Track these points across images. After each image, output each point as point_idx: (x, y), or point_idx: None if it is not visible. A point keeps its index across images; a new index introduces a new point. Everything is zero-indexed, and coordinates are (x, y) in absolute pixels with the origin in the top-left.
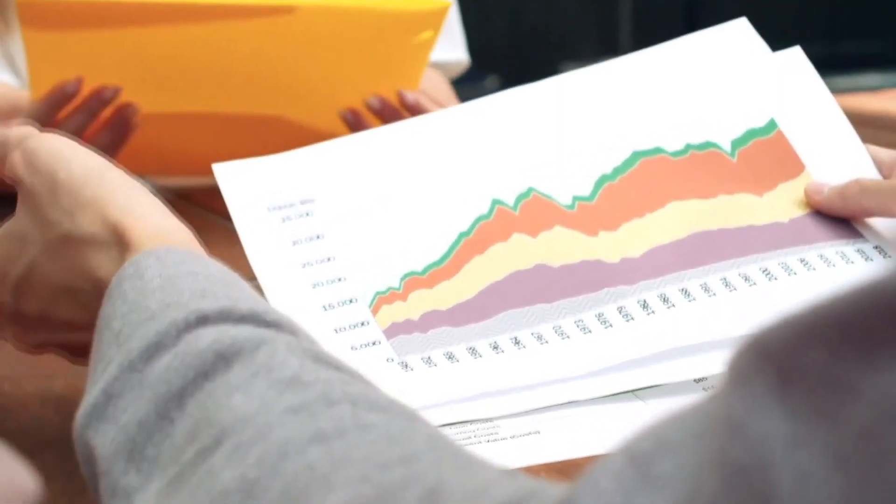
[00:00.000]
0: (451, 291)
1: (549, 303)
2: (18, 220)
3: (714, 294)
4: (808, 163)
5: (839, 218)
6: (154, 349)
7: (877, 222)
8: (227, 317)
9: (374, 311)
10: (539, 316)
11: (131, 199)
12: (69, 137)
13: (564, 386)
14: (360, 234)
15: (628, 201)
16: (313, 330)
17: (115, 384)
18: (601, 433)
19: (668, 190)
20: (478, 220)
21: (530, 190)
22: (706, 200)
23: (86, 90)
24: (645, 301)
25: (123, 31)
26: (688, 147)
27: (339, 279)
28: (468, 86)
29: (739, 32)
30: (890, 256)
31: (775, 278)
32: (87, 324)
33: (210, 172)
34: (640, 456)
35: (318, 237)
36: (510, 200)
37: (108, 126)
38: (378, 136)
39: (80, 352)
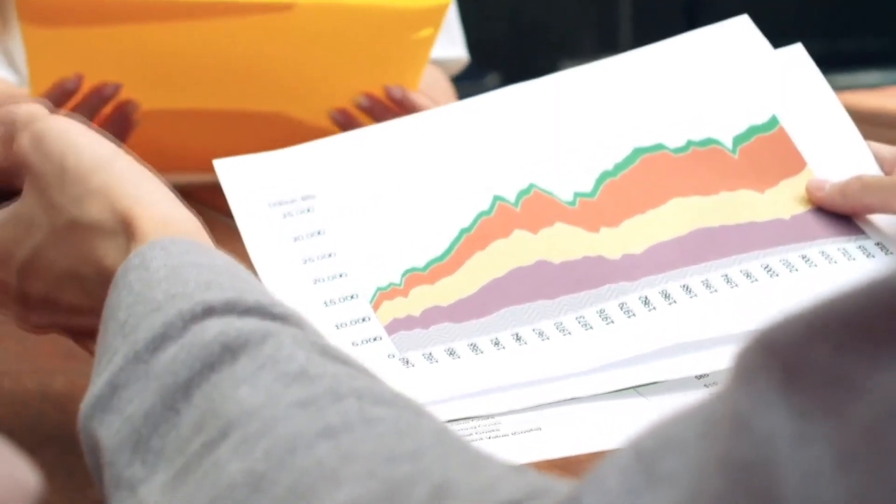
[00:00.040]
0: (452, 287)
1: (551, 299)
2: (25, 203)
3: (715, 290)
4: (810, 159)
5: (840, 214)
6: (160, 340)
7: (878, 219)
8: (232, 308)
9: (375, 307)
10: (540, 312)
11: (140, 188)
12: (79, 121)
13: (566, 382)
14: (360, 229)
15: (630, 197)
16: (313, 324)
17: (121, 375)
18: (603, 430)
19: (670, 186)
20: (479, 215)
21: (531, 186)
22: (707, 197)
23: (86, 87)
24: (646, 297)
25: (123, 27)
26: (689, 143)
27: (340, 275)
28: (468, 83)
29: (741, 29)
30: (891, 253)
31: (777, 275)
32: (92, 310)
33: (211, 169)
34: (646, 454)
35: (318, 233)
36: (511, 196)
37: (108, 123)
38: (379, 133)
39: (83, 334)
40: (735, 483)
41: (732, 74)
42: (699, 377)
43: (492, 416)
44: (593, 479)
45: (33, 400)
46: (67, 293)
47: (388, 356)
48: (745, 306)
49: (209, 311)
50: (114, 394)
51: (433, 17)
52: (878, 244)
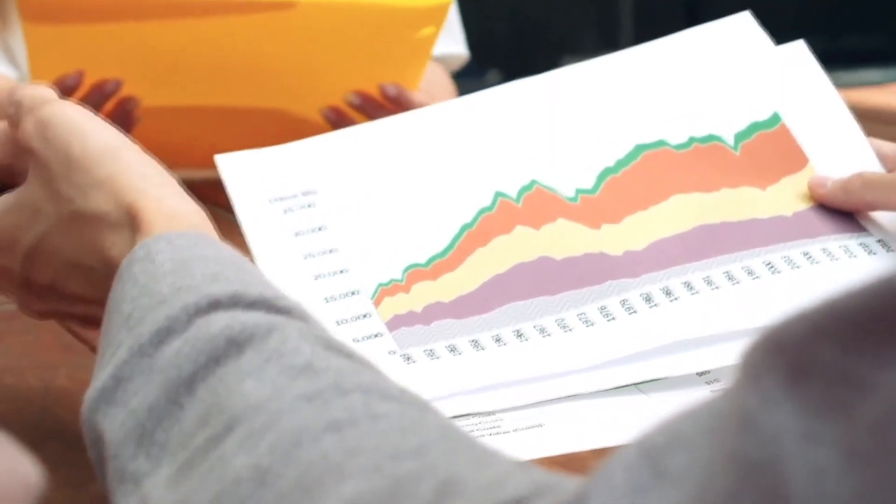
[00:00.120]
0: (453, 283)
1: (552, 295)
2: (31, 190)
3: (717, 287)
4: (812, 156)
5: (842, 211)
6: (165, 334)
7: (880, 216)
8: (237, 302)
9: (377, 303)
10: (542, 308)
11: (146, 180)
12: (85, 107)
13: (567, 379)
14: (362, 225)
15: (631, 194)
16: (317, 318)
17: (125, 368)
18: (604, 426)
19: (672, 183)
20: (481, 212)
21: (533, 182)
22: (709, 193)
23: (86, 84)
24: (648, 294)
25: (124, 25)
26: (691, 140)
27: (342, 271)
28: (469, 80)
29: (743, 26)
30: (893, 250)
31: (778, 272)
32: (96, 300)
33: (211, 165)
34: (653, 451)
35: (320, 229)
36: (513, 193)
37: (109, 119)
38: (380, 128)
39: (87, 322)
40: (742, 481)
41: (734, 71)
42: (701, 374)
43: (493, 412)
44: (600, 476)
45: (35, 396)
46: (72, 282)
47: (390, 352)
48: (746, 303)
49: (214, 305)
50: (118, 387)
51: (435, 17)
52: (879, 241)
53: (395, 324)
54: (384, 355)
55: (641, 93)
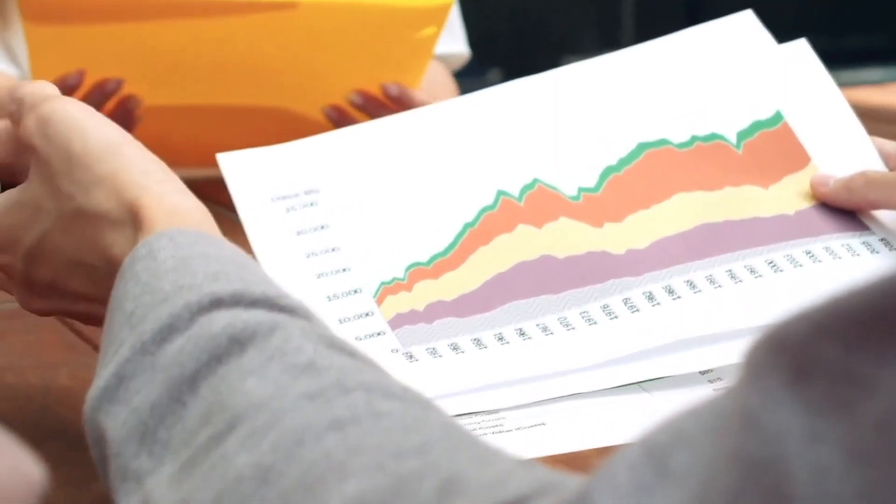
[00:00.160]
0: (456, 282)
1: (555, 294)
2: (32, 188)
3: (720, 286)
4: (814, 155)
5: (845, 210)
6: (167, 332)
7: (882, 214)
8: (240, 300)
9: (379, 302)
10: (544, 307)
11: (148, 176)
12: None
13: (570, 378)
14: (364, 224)
15: (634, 193)
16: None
17: (127, 366)
18: (607, 425)
19: (674, 182)
20: (483, 211)
21: (535, 181)
22: (712, 192)
23: (87, 83)
24: (651, 293)
25: (125, 25)
26: (693, 139)
27: (344, 269)
28: (470, 79)
29: (745, 24)
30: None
31: (781, 270)
32: (98, 298)
33: (213, 163)
34: (656, 449)
35: (322, 227)
36: (515, 192)
37: (111, 118)
38: (382, 127)
39: (87, 320)
40: (745, 480)
41: (736, 69)
42: (703, 373)
43: (496, 411)
44: (603, 474)
45: (36, 394)
46: (74, 280)
47: (392, 351)
48: (749, 302)
49: (217, 303)
50: (120, 385)
51: (436, 17)
52: (882, 240)
53: (397, 322)
54: (387, 354)
55: (644, 91)
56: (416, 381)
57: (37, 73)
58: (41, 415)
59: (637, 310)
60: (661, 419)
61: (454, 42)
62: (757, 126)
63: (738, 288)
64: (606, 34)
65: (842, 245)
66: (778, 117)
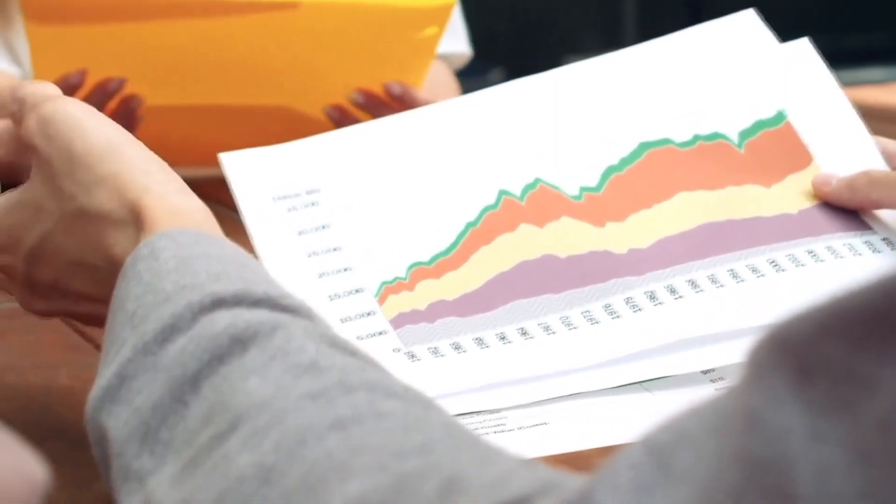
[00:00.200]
0: (458, 282)
1: (557, 293)
2: (34, 189)
3: (722, 285)
4: (817, 154)
5: (847, 210)
6: (169, 332)
7: (885, 214)
8: (242, 300)
9: (381, 301)
10: (546, 306)
11: (149, 176)
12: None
13: (572, 377)
14: (366, 223)
15: (636, 192)
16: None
17: (129, 366)
18: (609, 425)
19: (676, 181)
20: (485, 210)
21: (537, 181)
22: (714, 191)
23: (89, 83)
24: (653, 292)
25: (127, 25)
26: (696, 138)
27: (346, 269)
28: (472, 79)
29: (747, 23)
30: None
31: (783, 270)
32: (100, 298)
33: (215, 163)
34: (659, 448)
35: (324, 227)
36: (517, 191)
37: (113, 120)
38: (384, 127)
39: (89, 321)
40: (748, 479)
41: (739, 69)
42: (705, 372)
43: (498, 410)
44: (605, 474)
45: (38, 394)
46: (75, 281)
47: (394, 350)
48: (751, 301)
49: (219, 303)
50: (122, 385)
51: (438, 17)
52: (884, 240)
53: (399, 322)
54: (388, 353)
55: (646, 91)
56: (418, 380)
57: (39, 73)
58: (42, 414)
59: (639, 309)
60: (664, 419)
61: (456, 41)
62: (759, 125)
63: (741, 287)
64: (608, 34)
65: (844, 244)
66: (780, 117)
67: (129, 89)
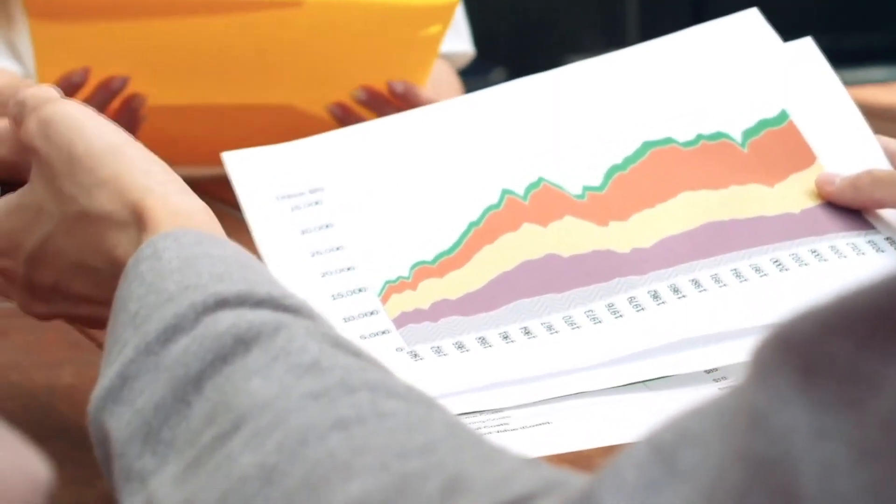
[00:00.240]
0: (460, 281)
1: (560, 293)
2: (34, 191)
3: (725, 285)
4: (820, 153)
5: (850, 209)
6: (172, 332)
7: (888, 213)
8: (244, 300)
9: (384, 300)
10: (549, 306)
11: (151, 177)
12: (89, 106)
13: (575, 376)
14: (369, 223)
15: (639, 191)
16: (324, 316)
17: (132, 366)
18: (612, 424)
19: (679, 180)
20: (487, 209)
21: (540, 180)
22: (717, 191)
23: (92, 81)
24: (656, 291)
25: (130, 23)
26: (699, 137)
27: (349, 268)
28: (474, 78)
29: (750, 23)
30: None
31: (787, 269)
32: (101, 300)
33: (218, 162)
34: (664, 447)
35: (327, 226)
36: (520, 190)
37: (116, 119)
38: (387, 126)
39: (90, 323)
40: (753, 478)
41: (742, 68)
42: (708, 372)
43: (501, 410)
44: (610, 473)
45: (41, 393)
46: (76, 283)
47: (397, 349)
48: (754, 301)
49: (221, 303)
50: (124, 385)
51: (442, 15)
52: (887, 239)
53: (402, 321)
54: (391, 352)
55: (649, 90)
56: (421, 379)
57: (41, 70)
58: (45, 413)
59: (642, 308)
60: (668, 418)
61: (459, 40)
62: (763, 125)
63: (744, 287)
64: (609, 33)
65: (847, 244)
66: (783, 116)
67: (132, 88)
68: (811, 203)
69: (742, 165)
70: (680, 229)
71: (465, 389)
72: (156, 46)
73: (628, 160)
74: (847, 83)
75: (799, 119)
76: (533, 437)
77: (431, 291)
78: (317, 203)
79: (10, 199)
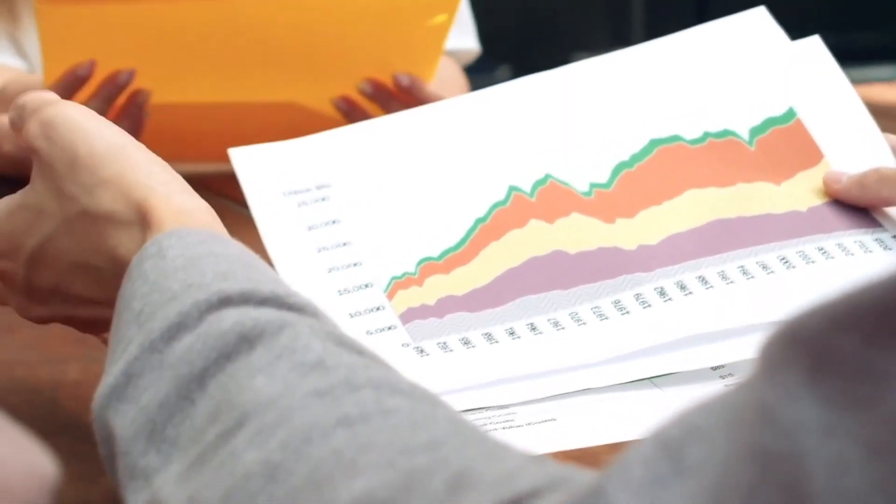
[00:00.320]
0: (467, 277)
1: (566, 289)
2: (35, 192)
3: (731, 282)
4: (827, 151)
5: (857, 207)
6: (175, 330)
7: (895, 211)
8: (248, 298)
9: (390, 296)
10: (555, 302)
11: (153, 177)
12: (89, 107)
13: (581, 373)
14: (376, 219)
15: (646, 189)
16: (328, 314)
17: (136, 364)
18: (618, 421)
19: (686, 178)
20: (494, 206)
21: (547, 177)
22: (724, 188)
23: (99, 70)
24: (662, 288)
25: (136, 6)
26: (706, 135)
27: (355, 264)
28: (479, 75)
29: (758, 21)
30: None
31: (793, 267)
32: (102, 300)
33: (224, 158)
34: (671, 443)
35: (333, 222)
36: (527, 187)
37: (123, 114)
38: (394, 122)
39: (89, 326)
40: (762, 474)
41: (749, 66)
42: (715, 368)
43: (506, 406)
44: (617, 469)
45: (47, 389)
46: (77, 284)
47: (403, 345)
48: (761, 298)
49: (225, 301)
50: (128, 383)
51: (447, 4)
52: (894, 237)
53: (408, 317)
54: (397, 348)
55: (657, 87)
56: (427, 375)
57: (47, 58)
58: (51, 409)
59: (648, 305)
60: (675, 414)
61: (464, 37)
62: (770, 123)
63: (750, 284)
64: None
65: (854, 242)
66: (791, 114)
67: (138, 80)
68: (818, 201)
69: (749, 163)
70: (687, 227)
71: (471, 386)
72: (162, 31)
73: (635, 157)
74: (853, 81)
75: (806, 117)
76: (538, 434)
77: (438, 287)
78: (323, 199)
79: (11, 200)
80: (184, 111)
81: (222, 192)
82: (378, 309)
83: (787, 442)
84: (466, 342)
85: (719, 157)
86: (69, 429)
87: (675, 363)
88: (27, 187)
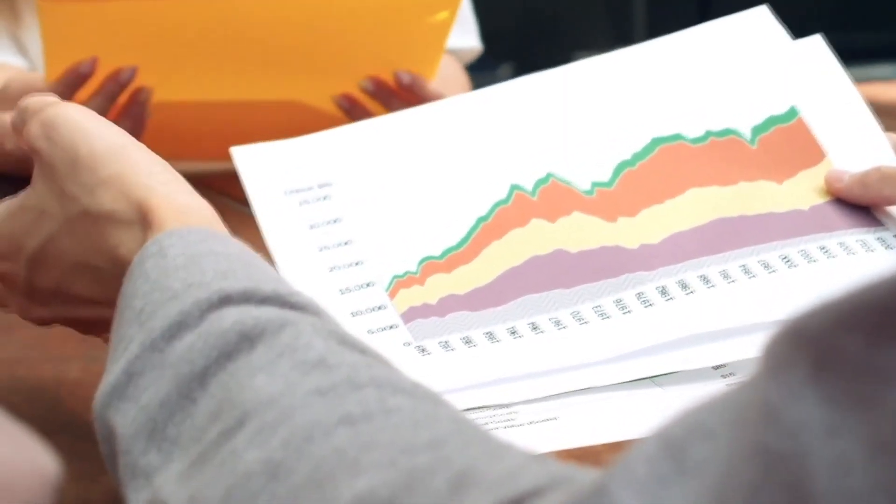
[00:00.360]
0: (469, 276)
1: (568, 288)
2: (36, 193)
3: (733, 281)
4: (829, 150)
5: (859, 206)
6: (176, 328)
7: None
8: (249, 297)
9: (392, 295)
10: (557, 301)
11: (154, 177)
12: (90, 106)
13: (583, 372)
14: (377, 217)
15: (648, 187)
16: (330, 313)
17: (137, 363)
18: (620, 420)
19: (688, 176)
20: (496, 205)
21: (549, 176)
22: (726, 187)
23: (101, 67)
24: (664, 287)
25: (140, 3)
26: (708, 134)
27: (357, 263)
28: (481, 74)
29: (760, 20)
30: None
31: (795, 265)
32: (103, 300)
33: (226, 156)
34: (675, 442)
35: (335, 221)
36: (529, 186)
37: (125, 113)
38: (396, 121)
39: (89, 327)
40: (765, 473)
41: (751, 65)
42: (717, 367)
43: (508, 405)
44: (620, 467)
45: (48, 387)
46: (78, 284)
47: (404, 344)
48: (763, 297)
49: (226, 300)
50: (129, 382)
51: (449, 1)
52: None
53: (410, 315)
54: (399, 347)
55: (658, 87)
56: (429, 374)
57: (49, 55)
58: (52, 408)
59: (650, 304)
60: (678, 412)
61: (466, 36)
62: (772, 121)
63: (752, 283)
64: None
65: (856, 241)
66: (793, 113)
67: (140, 77)
68: (820, 200)
69: (751, 162)
70: (688, 225)
71: (473, 384)
72: (163, 29)
73: (637, 156)
74: (855, 80)
75: (808, 116)
76: (540, 433)
77: (439, 286)
78: (325, 198)
79: (12, 201)
80: (186, 109)
81: (224, 191)
82: (380, 308)
83: (791, 441)
84: (468, 341)
85: (721, 155)
86: (70, 427)
87: (677, 362)
88: (28, 188)
